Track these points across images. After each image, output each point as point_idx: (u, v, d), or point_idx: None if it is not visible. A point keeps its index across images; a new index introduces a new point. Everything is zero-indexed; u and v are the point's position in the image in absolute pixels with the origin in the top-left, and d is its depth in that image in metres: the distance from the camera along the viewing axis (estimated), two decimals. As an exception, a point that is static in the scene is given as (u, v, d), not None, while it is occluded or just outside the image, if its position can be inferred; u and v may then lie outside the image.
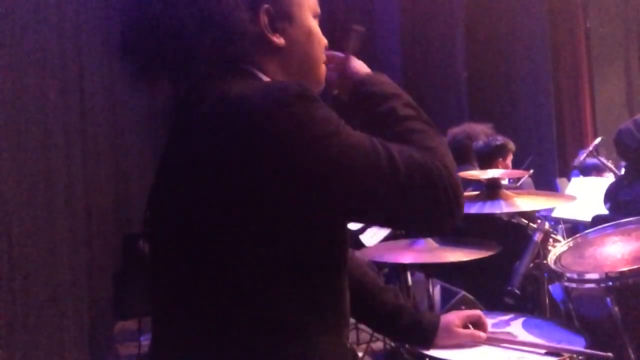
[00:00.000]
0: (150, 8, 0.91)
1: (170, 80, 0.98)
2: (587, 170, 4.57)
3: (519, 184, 3.45)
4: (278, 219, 0.83)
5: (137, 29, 0.93)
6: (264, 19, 0.95)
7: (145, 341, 1.06)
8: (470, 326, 1.33)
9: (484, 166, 3.43)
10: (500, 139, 3.46)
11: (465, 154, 3.67)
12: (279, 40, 0.97)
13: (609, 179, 3.72)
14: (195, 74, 0.93)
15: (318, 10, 1.05)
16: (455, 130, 3.83)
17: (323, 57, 1.06)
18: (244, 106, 0.84)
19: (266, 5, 0.95)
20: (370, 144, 0.86)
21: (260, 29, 0.94)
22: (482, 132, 3.70)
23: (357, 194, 0.84)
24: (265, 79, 0.97)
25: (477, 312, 1.37)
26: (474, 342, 1.31)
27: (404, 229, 0.89)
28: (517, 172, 2.83)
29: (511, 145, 3.48)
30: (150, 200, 0.99)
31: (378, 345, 3.38)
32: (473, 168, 3.55)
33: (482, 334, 1.32)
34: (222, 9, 0.90)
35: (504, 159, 3.45)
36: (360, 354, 3.23)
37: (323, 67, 1.06)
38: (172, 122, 0.98)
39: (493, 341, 1.33)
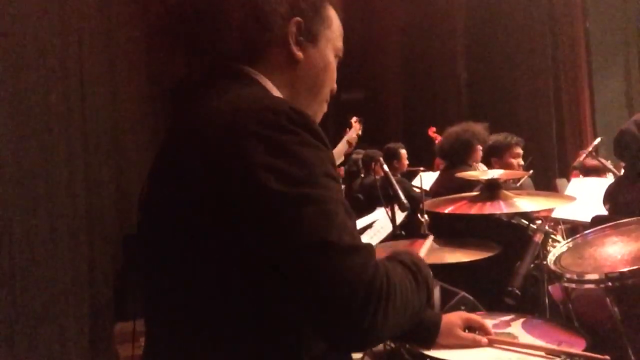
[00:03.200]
0: None
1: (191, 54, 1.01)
2: (587, 171, 4.58)
3: (518, 184, 3.45)
4: (251, 240, 0.82)
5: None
6: (292, 29, 0.99)
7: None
8: (468, 330, 1.34)
9: (487, 166, 3.47)
10: (493, 139, 3.48)
11: (456, 155, 3.66)
12: (298, 53, 1.00)
13: (608, 179, 3.72)
14: (216, 55, 0.96)
15: (341, 53, 1.09)
16: (448, 132, 3.81)
17: (327, 98, 1.08)
18: (232, 121, 0.84)
19: (299, 19, 0.99)
20: (334, 212, 0.81)
21: (286, 35, 0.99)
22: (476, 131, 3.69)
23: (291, 245, 0.79)
24: (271, 87, 0.98)
25: (479, 319, 1.37)
26: (475, 345, 1.31)
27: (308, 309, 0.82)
28: (517, 173, 2.83)
29: (507, 141, 3.48)
30: (141, 202, 0.99)
31: (378, 345, 3.37)
32: (470, 169, 3.55)
33: (484, 339, 1.32)
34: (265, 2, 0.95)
35: (500, 157, 3.44)
36: (360, 355, 3.23)
37: (324, 107, 1.09)
38: (169, 125, 0.99)
39: (494, 343, 1.32)
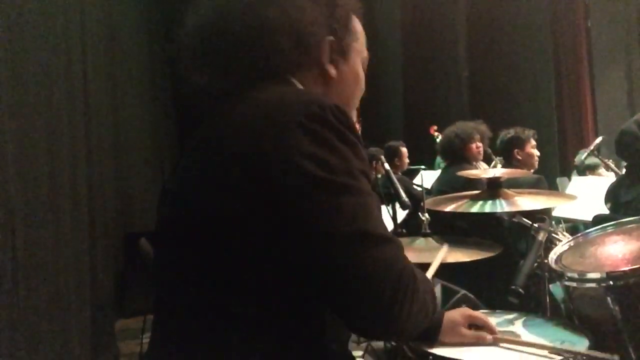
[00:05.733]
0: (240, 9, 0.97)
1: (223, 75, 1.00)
2: (582, 170, 4.60)
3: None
4: (280, 225, 0.83)
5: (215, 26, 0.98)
6: (326, 49, 1.02)
7: (148, 339, 1.06)
8: (472, 327, 1.32)
9: (506, 159, 3.63)
10: (511, 132, 3.62)
11: (457, 153, 3.70)
12: (332, 71, 1.03)
13: (609, 178, 3.72)
14: (257, 71, 0.97)
15: (367, 61, 1.13)
16: (445, 131, 3.87)
17: (357, 103, 1.12)
18: (279, 111, 0.87)
19: (331, 38, 1.02)
20: (371, 204, 0.84)
21: (321, 55, 1.01)
22: (474, 130, 3.73)
23: (317, 239, 0.81)
24: None
25: (483, 316, 1.35)
26: (479, 343, 1.30)
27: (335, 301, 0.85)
28: (518, 172, 2.84)
29: (526, 134, 3.58)
30: (166, 193, 0.99)
31: (378, 344, 3.38)
32: (471, 167, 3.57)
33: (488, 335, 1.30)
34: (304, 24, 0.97)
35: (522, 148, 3.55)
36: (360, 353, 3.23)
37: (355, 113, 1.12)
38: (202, 120, 1.00)
39: (498, 342, 1.31)
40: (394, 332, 0.90)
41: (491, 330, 1.32)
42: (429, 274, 1.47)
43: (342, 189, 0.82)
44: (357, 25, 1.10)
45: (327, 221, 0.81)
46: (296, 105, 0.87)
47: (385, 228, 0.87)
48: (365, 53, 1.12)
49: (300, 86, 1.00)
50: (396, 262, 0.84)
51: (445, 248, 1.78)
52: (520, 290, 1.55)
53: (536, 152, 3.63)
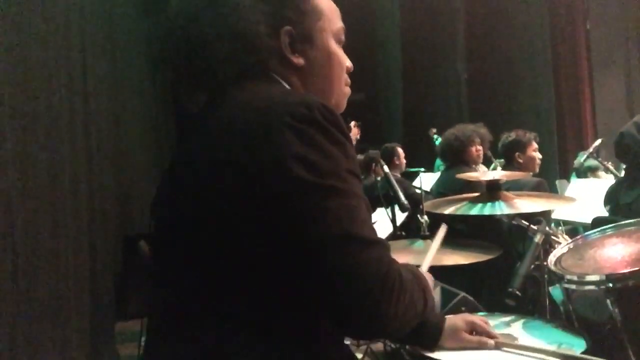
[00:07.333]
0: (180, 23, 1.00)
1: (194, 86, 1.03)
2: (582, 172, 4.60)
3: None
4: (275, 227, 0.84)
5: (168, 43, 1.02)
6: (284, 40, 1.01)
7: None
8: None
9: (508, 162, 3.63)
10: (512, 135, 3.61)
11: (456, 156, 3.70)
12: (298, 60, 1.02)
13: (608, 180, 3.72)
14: (217, 80, 0.98)
15: (342, 37, 1.09)
16: (445, 134, 3.87)
17: (344, 79, 1.10)
18: (267, 113, 0.87)
19: (288, 27, 1.01)
20: (357, 206, 0.85)
21: (280, 47, 1.00)
22: (474, 132, 3.74)
23: (307, 239, 0.82)
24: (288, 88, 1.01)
25: (484, 324, 1.33)
26: (480, 347, 1.29)
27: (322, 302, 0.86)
28: (517, 174, 2.84)
29: (528, 137, 3.58)
30: (159, 199, 1.00)
31: (378, 346, 3.38)
32: (470, 170, 3.57)
33: (490, 341, 1.29)
34: (244, 25, 0.97)
35: (523, 152, 3.55)
36: (359, 356, 3.23)
37: (344, 90, 1.10)
38: (189, 124, 1.01)
39: (499, 346, 1.30)
40: (381, 333, 0.94)
41: (491, 337, 1.31)
42: (426, 263, 1.45)
43: (329, 192, 0.83)
44: (319, 2, 1.06)
45: (313, 224, 0.82)
46: (283, 107, 0.87)
47: (373, 229, 0.88)
48: (336, 25, 1.07)
49: (284, 82, 1.00)
50: (382, 264, 0.84)
51: (443, 228, 1.73)
52: (518, 292, 1.54)
53: (538, 155, 3.62)
